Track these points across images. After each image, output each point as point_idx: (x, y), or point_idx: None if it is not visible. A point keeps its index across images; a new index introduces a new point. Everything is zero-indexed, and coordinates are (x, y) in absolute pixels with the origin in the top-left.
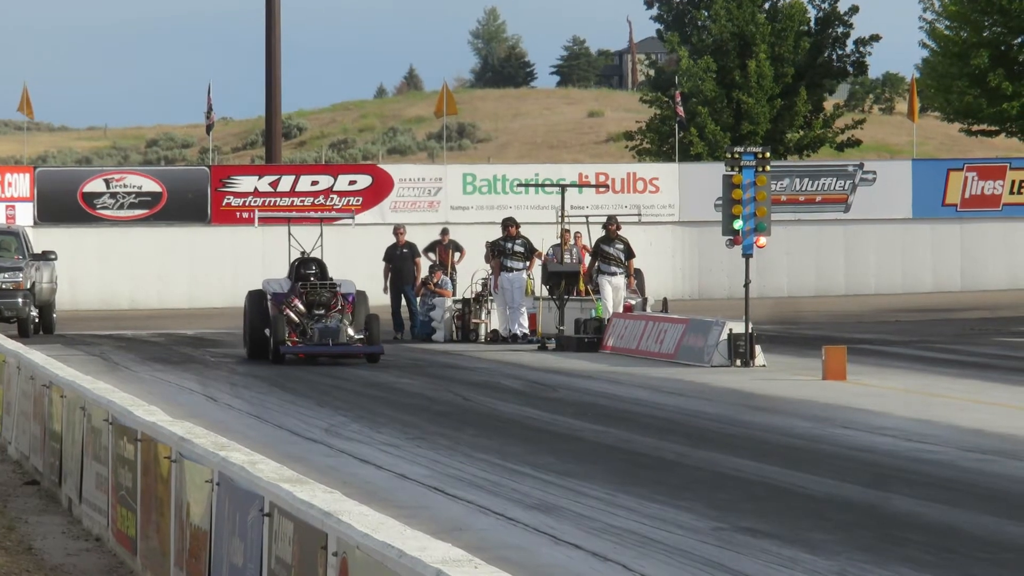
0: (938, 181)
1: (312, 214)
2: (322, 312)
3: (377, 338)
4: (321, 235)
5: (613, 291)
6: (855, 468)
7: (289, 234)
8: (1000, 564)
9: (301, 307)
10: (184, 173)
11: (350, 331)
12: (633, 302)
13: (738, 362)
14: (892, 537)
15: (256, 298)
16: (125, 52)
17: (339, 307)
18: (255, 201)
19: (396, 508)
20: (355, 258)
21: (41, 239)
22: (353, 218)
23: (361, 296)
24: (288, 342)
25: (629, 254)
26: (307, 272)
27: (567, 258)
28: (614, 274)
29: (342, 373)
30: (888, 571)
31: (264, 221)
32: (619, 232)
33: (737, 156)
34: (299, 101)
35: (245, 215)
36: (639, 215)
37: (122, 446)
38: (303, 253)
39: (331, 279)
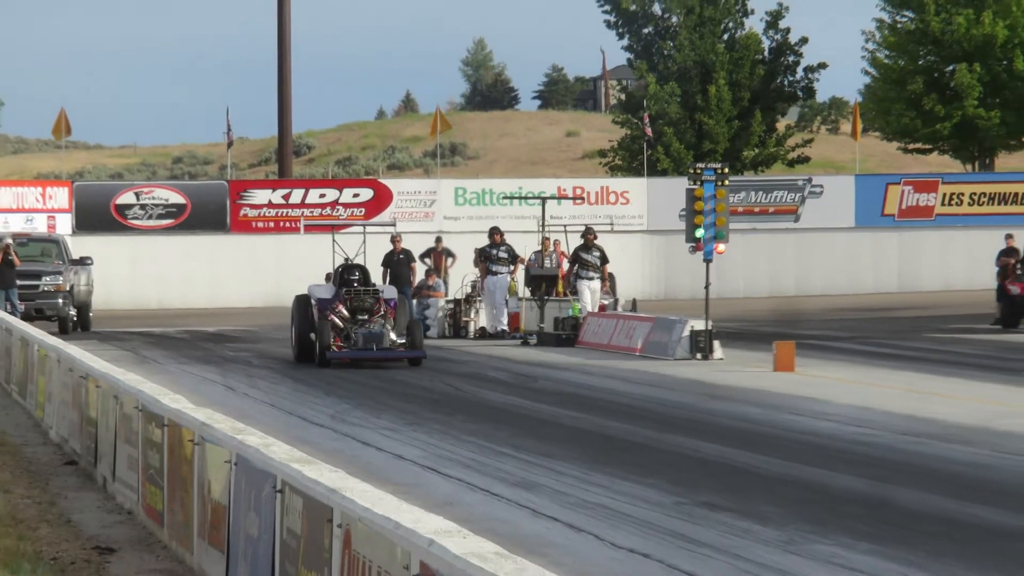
0: (878, 194)
1: (355, 222)
2: (365, 317)
3: (419, 342)
4: (364, 242)
5: (591, 294)
6: (802, 450)
7: (333, 241)
8: (931, 535)
9: (345, 312)
10: (205, 187)
11: (392, 335)
12: (606, 302)
13: (699, 356)
14: (835, 511)
15: (302, 303)
16: (154, 79)
17: (382, 312)
18: (269, 212)
19: (394, 485)
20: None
21: (78, 246)
22: (395, 225)
23: (402, 301)
24: (333, 347)
25: (604, 260)
26: (350, 278)
27: (547, 263)
28: (591, 278)
29: (347, 366)
30: (830, 540)
31: (309, 229)
32: (595, 241)
33: (699, 172)
34: (308, 122)
35: (260, 224)
36: (611, 224)
37: (150, 430)
38: (347, 259)
39: (374, 285)
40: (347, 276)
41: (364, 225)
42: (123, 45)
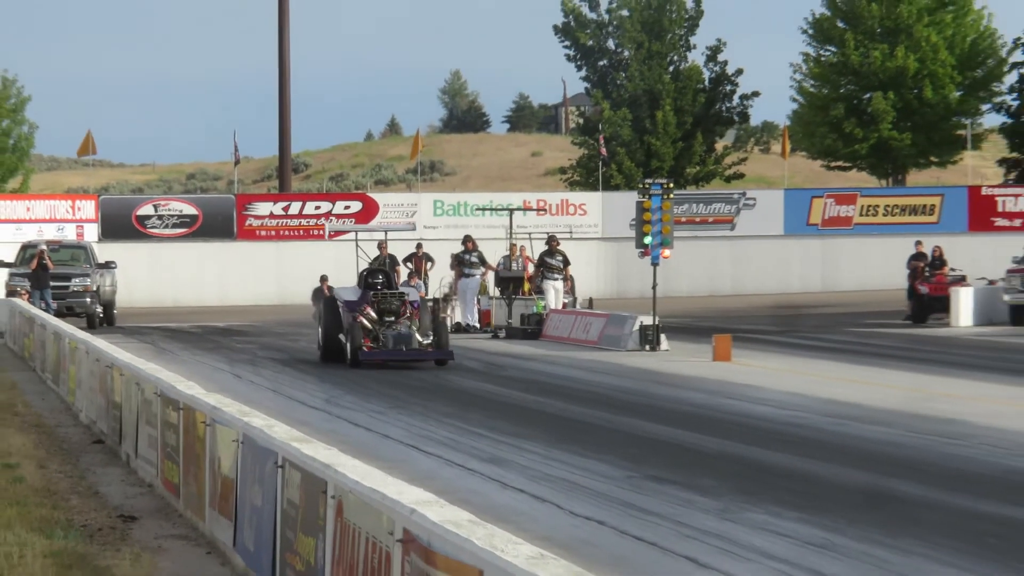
0: (804, 206)
1: (376, 227)
2: (392, 319)
3: (446, 343)
4: (385, 247)
5: (555, 293)
6: (738, 430)
7: (357, 246)
8: (852, 505)
9: (373, 314)
10: (215, 200)
11: (418, 336)
12: (566, 300)
13: (647, 347)
14: (766, 483)
15: (330, 305)
16: (171, 105)
17: (407, 314)
18: (271, 222)
19: (381, 461)
20: (350, 266)
21: (104, 252)
22: (414, 228)
23: (424, 303)
24: (364, 348)
25: (566, 263)
26: (374, 281)
27: (514, 266)
28: (556, 279)
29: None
30: (762, 509)
31: (334, 235)
32: (558, 247)
33: (647, 186)
34: (305, 143)
35: (263, 233)
36: (571, 232)
37: (168, 413)
38: (370, 263)
39: (398, 288)
40: (371, 280)
41: (386, 231)
42: (144, 75)
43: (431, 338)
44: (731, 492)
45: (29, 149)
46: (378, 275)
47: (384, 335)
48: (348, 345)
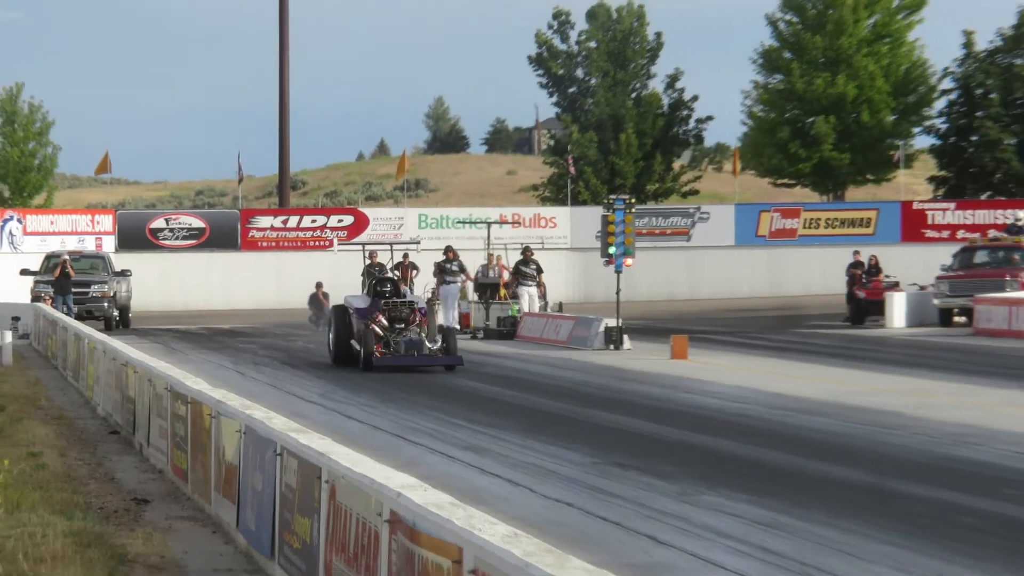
0: (753, 219)
1: (384, 240)
2: (402, 326)
3: (455, 349)
4: (391, 257)
5: (529, 298)
6: (694, 420)
7: (364, 255)
8: (796, 488)
9: (384, 322)
10: (221, 214)
11: (427, 343)
12: (540, 304)
13: (612, 347)
14: (719, 469)
15: (340, 312)
16: (181, 127)
17: (417, 321)
18: (271, 234)
19: (370, 450)
20: (343, 274)
21: (120, 261)
22: (419, 243)
23: (431, 310)
24: (376, 354)
25: (539, 271)
26: (383, 290)
27: (491, 273)
28: (530, 286)
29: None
30: (715, 492)
31: (342, 240)
32: (532, 256)
33: (611, 202)
34: (303, 162)
35: (264, 244)
36: (542, 243)
37: (177, 407)
38: (380, 272)
39: (406, 296)
40: (380, 288)
41: (391, 244)
42: (157, 101)
43: (439, 343)
44: (688, 477)
45: (53, 168)
46: (387, 284)
47: (396, 342)
48: (361, 351)
